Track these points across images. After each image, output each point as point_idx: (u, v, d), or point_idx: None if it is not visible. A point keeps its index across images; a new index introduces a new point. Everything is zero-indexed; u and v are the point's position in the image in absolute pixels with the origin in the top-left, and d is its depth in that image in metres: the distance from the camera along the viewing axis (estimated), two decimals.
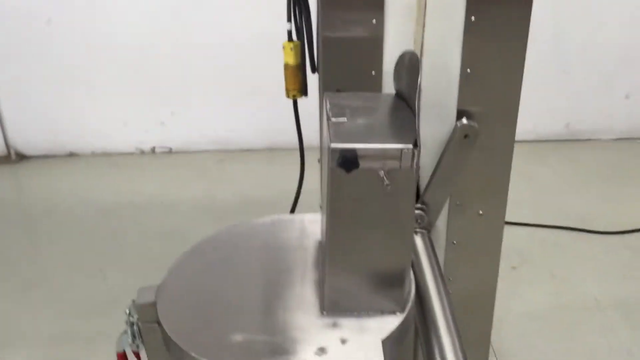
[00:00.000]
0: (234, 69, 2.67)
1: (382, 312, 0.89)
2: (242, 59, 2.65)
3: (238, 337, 0.85)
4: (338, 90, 1.05)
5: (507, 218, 1.23)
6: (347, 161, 0.77)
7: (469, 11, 1.05)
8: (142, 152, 2.85)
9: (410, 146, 0.78)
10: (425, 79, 1.08)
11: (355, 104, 0.90)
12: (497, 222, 1.23)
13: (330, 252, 0.85)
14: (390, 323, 0.87)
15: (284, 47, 1.17)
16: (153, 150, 2.85)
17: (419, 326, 0.94)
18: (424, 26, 1.06)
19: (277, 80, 2.65)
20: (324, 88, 1.10)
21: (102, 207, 2.43)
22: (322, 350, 0.83)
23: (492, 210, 1.21)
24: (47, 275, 2.03)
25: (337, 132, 0.81)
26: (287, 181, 2.56)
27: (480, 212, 1.21)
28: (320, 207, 1.27)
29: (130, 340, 0.98)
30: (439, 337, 0.91)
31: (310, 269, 0.98)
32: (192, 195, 2.50)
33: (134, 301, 0.96)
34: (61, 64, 2.64)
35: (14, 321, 1.83)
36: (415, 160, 0.79)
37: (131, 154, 2.85)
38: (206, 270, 1.00)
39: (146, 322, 0.94)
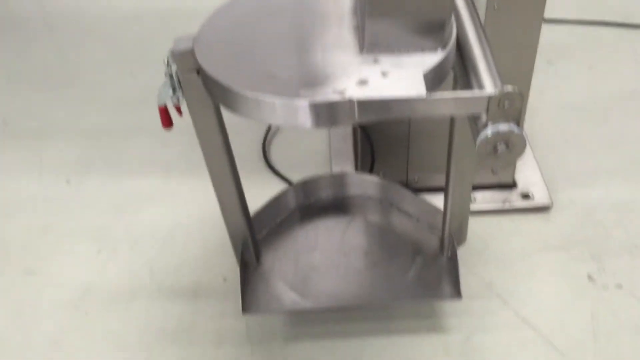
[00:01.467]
0: None
1: (423, 49, 0.87)
2: None
3: (279, 72, 0.85)
4: None
5: (546, 15, 1.17)
6: None
7: None
8: None
9: None
10: None
11: None
12: None
13: None
14: (431, 59, 0.86)
15: None
16: None
17: (458, 69, 0.92)
18: None
19: None
20: None
21: (124, 14, 2.37)
22: (363, 82, 0.82)
23: None
24: (77, 76, 2.04)
25: None
26: None
27: None
28: None
29: (170, 92, 0.98)
30: (476, 72, 0.88)
31: (347, 16, 0.95)
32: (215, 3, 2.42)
33: (171, 51, 0.94)
34: None
35: (50, 116, 1.87)
36: None
37: None
38: (241, 21, 0.98)
39: (185, 71, 0.94)
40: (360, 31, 0.90)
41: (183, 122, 1.80)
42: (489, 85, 0.83)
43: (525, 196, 1.46)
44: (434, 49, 0.87)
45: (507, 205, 1.45)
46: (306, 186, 1.34)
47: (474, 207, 1.44)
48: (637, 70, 1.91)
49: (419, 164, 1.45)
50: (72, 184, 1.62)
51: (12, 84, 2.02)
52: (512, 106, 0.79)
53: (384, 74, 0.84)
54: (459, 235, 1.21)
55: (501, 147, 0.81)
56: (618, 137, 1.64)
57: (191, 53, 0.92)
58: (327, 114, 0.81)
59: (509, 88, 0.78)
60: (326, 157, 1.65)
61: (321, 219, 1.32)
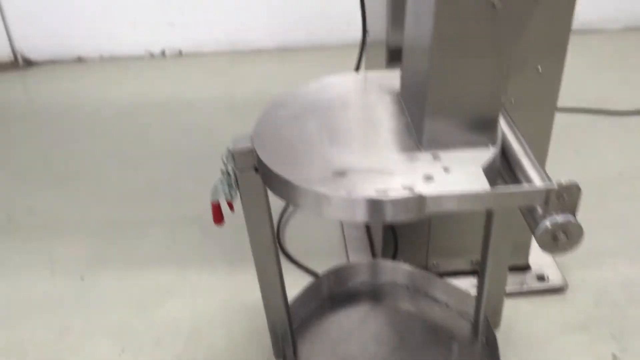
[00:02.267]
0: None
1: (476, 145, 0.93)
2: None
3: (342, 168, 0.89)
4: None
5: None
6: None
7: None
8: (152, 55, 2.81)
9: None
10: None
11: None
12: (555, 79, 1.27)
13: (432, 83, 0.87)
14: (486, 155, 0.92)
15: None
16: (163, 53, 2.81)
17: (501, 165, 0.99)
18: None
19: None
20: None
21: (120, 108, 2.41)
22: (428, 178, 0.87)
23: (552, 66, 1.25)
24: (80, 170, 2.04)
25: None
26: (302, 79, 2.58)
27: (540, 68, 1.24)
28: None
29: (226, 189, 1.01)
30: (521, 167, 0.94)
31: (394, 113, 1.02)
32: (209, 95, 2.49)
33: (229, 149, 0.98)
34: None
35: (56, 211, 1.85)
36: None
37: (140, 57, 2.80)
38: (293, 117, 1.03)
39: (244, 169, 0.98)
40: (415, 129, 0.96)
41: (194, 213, 1.83)
42: (537, 179, 0.89)
43: (541, 278, 1.51)
44: (485, 145, 0.94)
45: (525, 288, 1.49)
46: (337, 275, 1.36)
47: None
48: (618, 154, 2.04)
49: (438, 249, 1.49)
50: (86, 280, 1.59)
51: (14, 179, 2.01)
52: (570, 198, 0.85)
53: (446, 169, 0.89)
54: (494, 319, 1.25)
55: (562, 237, 0.86)
56: (616, 218, 1.73)
57: (250, 152, 0.96)
58: (397, 209, 0.85)
59: (568, 181, 0.84)
60: (338, 241, 1.68)
61: (353, 307, 1.33)
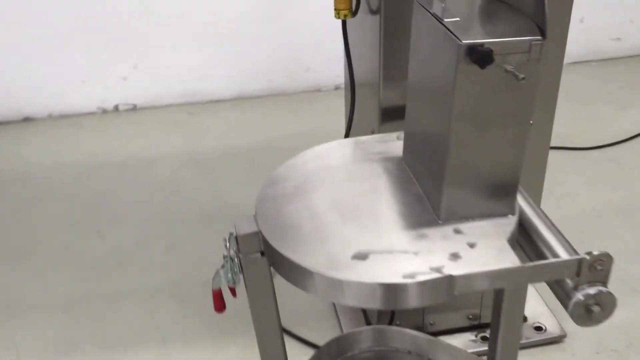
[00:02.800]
0: (196, 15, 2.55)
1: (496, 215, 0.89)
2: (204, 4, 2.54)
3: (361, 251, 0.83)
4: None
5: None
6: (483, 56, 0.75)
7: None
8: (105, 111, 2.69)
9: (540, 38, 0.77)
10: None
11: (452, 6, 0.87)
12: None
13: (452, 156, 0.83)
14: (507, 225, 0.88)
15: None
16: (116, 108, 2.70)
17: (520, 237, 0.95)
18: None
19: (240, 25, 2.58)
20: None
21: (75, 170, 2.29)
22: (455, 256, 0.82)
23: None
24: (37, 242, 1.90)
25: (459, 30, 0.78)
26: (265, 128, 2.53)
27: None
28: (372, 132, 1.25)
29: (230, 275, 0.93)
30: (542, 237, 0.91)
31: (404, 185, 0.97)
32: (170, 150, 2.40)
33: (231, 234, 0.91)
34: (9, 20, 2.43)
35: (16, 291, 1.71)
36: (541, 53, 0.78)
37: (92, 113, 2.68)
38: (296, 194, 0.96)
39: (249, 253, 0.90)
40: (430, 200, 0.91)
41: (169, 283, 1.72)
42: (561, 250, 0.85)
43: (538, 329, 1.48)
44: (504, 214, 0.89)
45: (523, 341, 1.45)
46: (338, 344, 1.29)
47: None
48: (588, 189, 2.06)
49: (434, 307, 1.44)
50: None
51: None
52: (602, 268, 0.82)
53: (471, 245, 0.84)
54: None
55: (595, 308, 0.83)
56: None
57: (256, 235, 0.89)
58: (426, 293, 0.80)
59: (599, 252, 0.81)
60: (327, 304, 1.60)
61: None
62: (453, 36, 0.77)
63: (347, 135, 1.26)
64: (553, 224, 0.90)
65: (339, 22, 1.15)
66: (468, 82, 0.78)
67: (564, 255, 0.84)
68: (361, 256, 0.83)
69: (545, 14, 0.77)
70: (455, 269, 0.80)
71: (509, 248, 0.84)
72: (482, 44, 0.76)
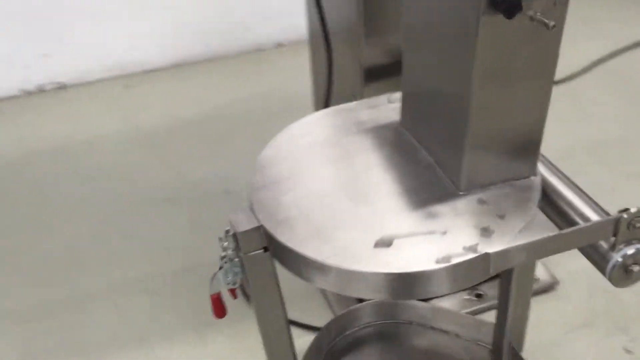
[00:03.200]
0: None
1: (518, 178, 0.81)
2: None
3: (383, 236, 0.74)
4: None
5: None
6: (512, 5, 0.65)
7: None
8: (29, 93, 2.45)
9: None
10: None
11: None
12: None
13: (473, 117, 0.74)
14: (532, 190, 0.80)
15: None
16: (41, 88, 2.46)
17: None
18: None
19: None
20: None
21: (7, 161, 2.07)
22: (486, 231, 0.74)
23: None
24: None
25: None
26: (209, 96, 2.37)
27: None
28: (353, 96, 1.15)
29: (229, 277, 0.82)
30: (567, 200, 0.84)
31: (410, 155, 0.87)
32: (108, 130, 2.20)
33: (227, 232, 0.80)
34: None
35: None
36: None
37: (15, 97, 2.44)
38: (292, 178, 0.85)
39: (251, 250, 0.79)
40: (445, 169, 0.82)
41: (134, 277, 1.58)
42: (589, 212, 0.79)
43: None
44: (525, 176, 0.82)
45: None
46: (338, 324, 1.21)
47: (486, 303, 1.40)
48: (557, 127, 2.03)
49: None
50: None
51: None
52: None
53: (500, 216, 0.76)
54: (518, 343, 1.15)
55: (635, 267, 0.77)
56: None
57: (257, 230, 0.78)
58: (461, 275, 0.72)
59: (636, 209, 0.75)
60: (313, 287, 1.52)
61: (365, 354, 1.19)
62: None
63: (327, 104, 1.14)
64: (574, 183, 0.83)
65: None
66: (491, 34, 0.68)
67: (593, 216, 0.78)
68: (384, 243, 0.74)
69: None
70: (490, 246, 0.72)
71: (542, 215, 0.77)
72: None
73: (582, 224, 0.77)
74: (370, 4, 0.98)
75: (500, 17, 0.67)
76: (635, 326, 1.34)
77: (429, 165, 0.85)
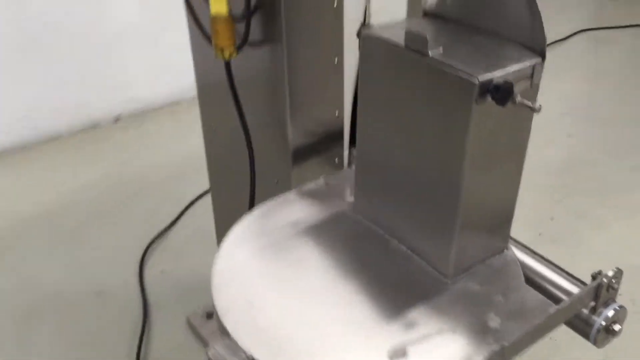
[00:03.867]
0: None
1: (494, 254, 0.80)
2: None
3: (395, 347, 0.67)
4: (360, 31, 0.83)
5: None
6: (505, 92, 0.64)
7: None
8: None
9: (541, 59, 0.69)
10: None
11: (412, 30, 0.74)
12: None
13: (464, 200, 0.71)
14: (511, 264, 0.79)
15: None
16: None
17: None
18: None
19: None
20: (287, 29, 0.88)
21: None
22: (493, 321, 0.71)
23: None
24: None
25: (462, 64, 0.66)
26: (50, 182, 2.07)
27: None
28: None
29: None
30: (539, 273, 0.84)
31: (377, 245, 0.82)
32: None
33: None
34: None
35: None
36: None
37: None
38: (257, 298, 0.75)
39: None
40: (429, 256, 0.77)
41: None
42: (564, 282, 0.80)
43: None
44: (502, 250, 0.81)
45: None
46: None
47: None
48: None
49: None
50: None
51: None
52: (617, 284, 0.78)
53: (500, 300, 0.74)
54: None
55: (617, 327, 0.79)
56: None
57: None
58: None
59: (614, 269, 0.77)
60: None
61: None
62: (461, 73, 0.65)
63: (252, 199, 1.02)
64: (542, 256, 0.84)
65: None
66: (481, 121, 0.67)
67: (573, 289, 0.78)
68: (397, 354, 0.67)
69: (543, 32, 0.69)
70: (504, 337, 0.69)
71: (533, 291, 0.76)
72: (504, 79, 0.65)
73: (565, 298, 0.77)
74: (295, 90, 0.92)
75: (489, 104, 0.65)
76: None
77: (406, 256, 0.80)
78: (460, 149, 0.68)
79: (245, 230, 0.85)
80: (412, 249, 0.80)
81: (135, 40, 2.36)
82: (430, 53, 0.68)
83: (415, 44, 0.69)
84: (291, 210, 0.89)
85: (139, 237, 1.78)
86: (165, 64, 2.42)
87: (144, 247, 1.74)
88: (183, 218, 1.88)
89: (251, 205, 1.04)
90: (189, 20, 1.07)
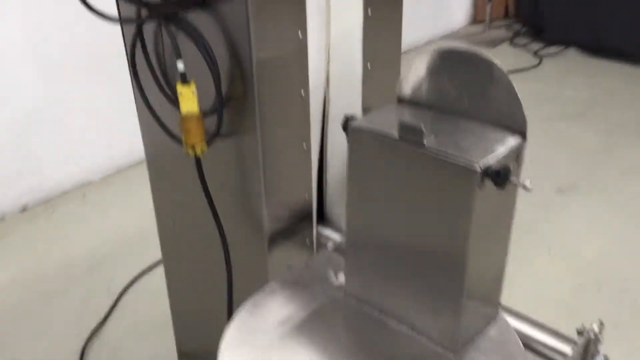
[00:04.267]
0: None
1: (488, 323, 0.83)
2: None
3: None
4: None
5: None
6: (502, 176, 0.69)
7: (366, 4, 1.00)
8: None
9: (522, 139, 0.74)
10: (332, 75, 1.01)
11: (406, 122, 0.76)
12: None
13: (468, 274, 0.74)
14: (507, 331, 0.83)
15: (181, 94, 0.87)
16: None
17: None
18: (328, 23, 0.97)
19: None
20: (260, 120, 0.89)
21: None
22: None
23: None
24: None
25: (458, 151, 0.70)
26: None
27: None
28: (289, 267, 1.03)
29: None
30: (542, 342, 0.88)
31: (378, 329, 0.83)
32: None
33: None
34: None
35: None
36: None
37: None
38: None
39: None
40: (433, 332, 0.79)
41: None
42: (562, 345, 0.84)
43: None
44: (494, 318, 0.85)
45: None
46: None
47: None
48: None
49: None
50: None
51: None
52: (601, 335, 0.84)
53: None
54: None
55: None
56: None
57: None
58: None
59: (598, 322, 0.83)
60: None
61: None
62: (461, 161, 0.69)
63: (230, 288, 0.98)
64: (531, 318, 0.89)
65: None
66: (483, 203, 0.71)
67: (567, 349, 0.83)
68: None
69: (523, 113, 0.74)
70: None
71: (533, 356, 0.80)
72: (502, 163, 0.70)
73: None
74: (272, 181, 0.92)
75: (488, 187, 0.70)
76: None
77: (408, 335, 0.81)
78: (464, 229, 0.71)
79: (241, 328, 0.83)
80: (413, 327, 0.81)
81: (40, 124, 2.25)
82: (426, 143, 0.72)
83: (410, 135, 0.72)
84: (281, 304, 0.88)
85: (72, 337, 1.66)
86: (73, 147, 2.33)
87: (80, 350, 1.62)
88: (116, 309, 1.77)
89: (229, 294, 1.01)
90: (136, 100, 1.06)
